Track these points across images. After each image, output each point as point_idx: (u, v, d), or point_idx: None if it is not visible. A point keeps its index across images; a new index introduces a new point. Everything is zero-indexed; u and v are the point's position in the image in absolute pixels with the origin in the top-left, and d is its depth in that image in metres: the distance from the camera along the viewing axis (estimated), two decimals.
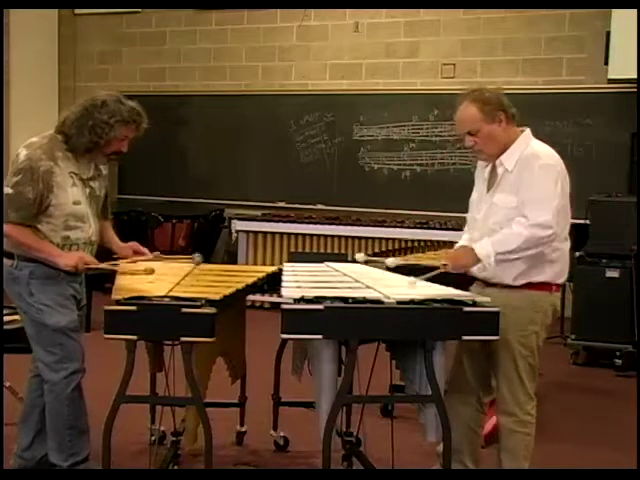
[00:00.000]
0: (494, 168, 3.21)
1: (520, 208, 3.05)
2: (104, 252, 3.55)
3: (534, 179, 3.04)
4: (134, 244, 3.59)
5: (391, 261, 3.38)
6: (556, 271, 3.16)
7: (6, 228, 3.20)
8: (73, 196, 3.27)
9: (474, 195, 3.35)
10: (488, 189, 3.23)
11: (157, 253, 3.66)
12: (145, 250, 3.58)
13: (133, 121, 3.28)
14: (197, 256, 3.70)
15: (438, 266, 3.16)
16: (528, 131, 3.23)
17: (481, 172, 3.32)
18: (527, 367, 3.17)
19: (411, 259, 3.61)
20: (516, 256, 3.03)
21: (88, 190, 3.35)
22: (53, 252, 3.23)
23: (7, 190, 3.19)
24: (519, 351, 3.13)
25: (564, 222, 3.13)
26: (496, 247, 3.02)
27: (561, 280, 3.20)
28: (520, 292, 3.12)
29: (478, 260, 3.06)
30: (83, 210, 3.31)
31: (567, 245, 3.21)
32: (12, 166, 3.25)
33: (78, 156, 3.30)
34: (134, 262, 3.47)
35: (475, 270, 3.16)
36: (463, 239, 3.41)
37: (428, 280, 3.12)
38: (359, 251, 7.02)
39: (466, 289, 3.18)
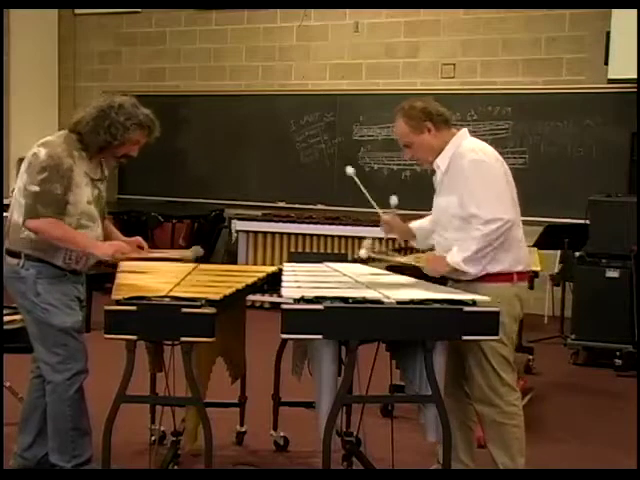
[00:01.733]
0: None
1: (466, 210, 3.14)
2: None
3: (467, 178, 3.14)
4: (138, 239, 3.59)
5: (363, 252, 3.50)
6: (512, 259, 3.20)
7: (37, 223, 3.18)
8: (87, 195, 3.30)
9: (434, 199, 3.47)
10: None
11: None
12: (147, 246, 3.60)
13: (147, 126, 3.33)
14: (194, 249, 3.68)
15: (412, 264, 3.32)
16: (463, 131, 3.32)
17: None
18: (499, 358, 3.18)
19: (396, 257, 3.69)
20: (483, 254, 3.12)
21: (96, 192, 3.37)
22: (90, 243, 3.26)
23: (34, 188, 3.18)
24: (488, 343, 3.14)
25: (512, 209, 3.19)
26: (462, 253, 3.13)
27: (520, 268, 3.24)
28: (482, 285, 3.15)
29: (450, 267, 3.16)
30: (94, 210, 3.34)
31: (518, 232, 3.25)
32: (30, 165, 3.23)
33: (91, 156, 3.32)
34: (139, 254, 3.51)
35: (455, 275, 3.23)
36: (418, 222, 3.57)
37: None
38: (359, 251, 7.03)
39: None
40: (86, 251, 3.26)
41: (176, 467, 3.51)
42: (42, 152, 3.23)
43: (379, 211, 3.55)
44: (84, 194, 3.28)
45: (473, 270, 3.15)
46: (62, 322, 3.25)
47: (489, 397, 3.19)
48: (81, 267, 3.35)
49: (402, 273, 3.53)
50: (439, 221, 3.34)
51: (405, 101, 3.35)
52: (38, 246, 3.24)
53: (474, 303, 2.81)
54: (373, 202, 3.51)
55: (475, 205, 3.10)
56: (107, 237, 3.56)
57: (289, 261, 4.07)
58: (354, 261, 3.77)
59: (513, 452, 3.20)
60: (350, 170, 3.65)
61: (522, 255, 3.26)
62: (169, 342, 3.16)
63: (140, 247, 3.57)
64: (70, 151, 3.25)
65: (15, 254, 3.28)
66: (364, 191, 3.58)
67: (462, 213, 3.16)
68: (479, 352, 3.17)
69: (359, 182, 3.62)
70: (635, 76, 6.50)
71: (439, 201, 3.33)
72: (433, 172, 3.37)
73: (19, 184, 3.30)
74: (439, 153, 3.28)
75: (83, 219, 3.29)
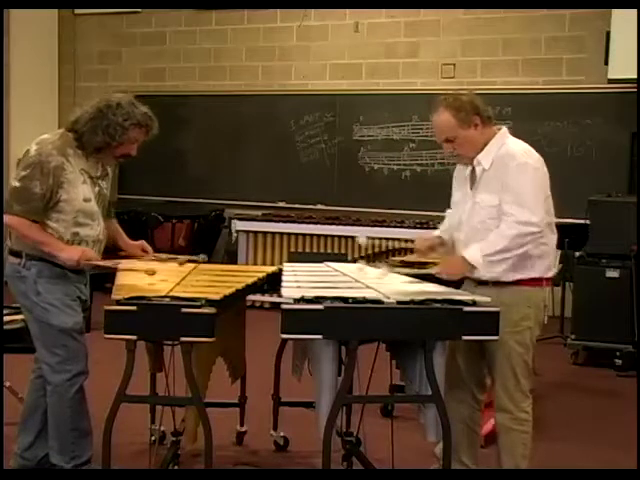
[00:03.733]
0: (474, 168, 3.25)
1: (502, 208, 3.09)
2: (109, 250, 3.56)
3: (513, 179, 3.08)
4: (142, 243, 3.62)
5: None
6: (545, 265, 3.18)
7: (8, 219, 3.21)
8: (84, 193, 3.29)
9: (456, 196, 3.40)
10: (471, 189, 3.27)
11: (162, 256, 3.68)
12: (151, 250, 3.63)
13: (146, 125, 3.32)
14: (201, 257, 3.72)
15: (431, 272, 3.24)
16: (504, 129, 3.28)
17: (461, 173, 3.36)
18: (522, 364, 3.17)
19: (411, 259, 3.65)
20: (506, 255, 3.06)
21: (97, 189, 3.37)
22: (57, 246, 3.24)
23: (15, 183, 3.21)
24: (513, 348, 3.13)
25: (547, 217, 3.16)
26: (484, 250, 3.08)
27: (550, 274, 3.23)
28: (511, 288, 3.13)
29: (470, 267, 3.11)
30: (93, 208, 3.34)
31: (553, 238, 3.23)
32: (22, 161, 3.25)
33: (88, 155, 3.32)
34: (139, 258, 3.52)
35: (468, 273, 3.18)
36: (437, 232, 3.49)
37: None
38: (359, 252, 7.03)
39: (457, 287, 3.21)
40: (52, 254, 3.24)
41: (176, 467, 3.51)
42: (33, 149, 3.24)
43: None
44: (80, 192, 3.28)
45: (487, 272, 3.09)
46: (62, 322, 3.25)
47: (504, 403, 3.18)
48: (83, 265, 3.35)
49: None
50: (469, 218, 3.23)
51: (446, 94, 3.25)
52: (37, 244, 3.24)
53: (474, 303, 2.82)
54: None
55: (516, 205, 3.04)
56: (112, 238, 3.57)
57: (289, 261, 4.06)
58: (354, 261, 3.77)
59: (517, 457, 3.20)
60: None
61: (552, 261, 3.24)
62: (169, 342, 3.16)
63: (144, 251, 3.59)
64: (63, 149, 3.25)
65: (17, 253, 3.29)
66: None
67: (499, 213, 3.10)
68: (506, 360, 3.14)
69: None
70: (635, 76, 6.50)
71: (478, 198, 3.20)
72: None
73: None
74: (481, 150, 3.19)
75: (79, 217, 3.28)
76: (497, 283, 3.14)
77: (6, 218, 3.23)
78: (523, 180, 3.07)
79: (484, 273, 3.11)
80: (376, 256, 6.98)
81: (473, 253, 3.10)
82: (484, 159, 3.19)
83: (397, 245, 7.03)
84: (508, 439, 3.20)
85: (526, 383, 3.19)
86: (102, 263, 3.38)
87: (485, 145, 3.20)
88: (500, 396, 3.19)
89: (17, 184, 3.20)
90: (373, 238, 6.62)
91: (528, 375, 3.21)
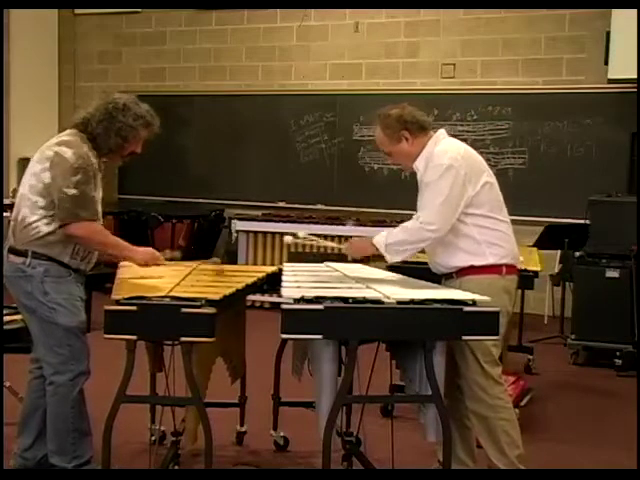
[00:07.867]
0: None
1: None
2: None
3: (427, 181, 3.24)
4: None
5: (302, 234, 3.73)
6: (497, 252, 3.23)
7: (78, 229, 3.19)
8: (100, 194, 3.34)
9: None
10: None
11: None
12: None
13: (152, 124, 3.37)
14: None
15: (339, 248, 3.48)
16: (439, 132, 3.38)
17: None
18: (485, 350, 3.18)
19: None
20: (406, 247, 3.22)
21: (100, 190, 3.38)
22: (127, 247, 3.34)
23: (71, 191, 3.17)
24: None
25: (480, 209, 3.22)
26: (388, 239, 3.24)
27: (507, 261, 3.26)
28: (471, 278, 3.19)
29: (375, 248, 3.27)
30: (100, 208, 3.37)
31: (503, 226, 3.28)
32: (56, 166, 3.20)
33: (101, 155, 3.35)
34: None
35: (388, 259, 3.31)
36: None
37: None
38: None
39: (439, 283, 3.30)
40: (123, 254, 3.34)
41: (176, 467, 3.51)
42: (68, 152, 3.22)
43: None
44: (99, 193, 3.33)
45: (391, 258, 3.25)
46: (69, 322, 3.24)
47: (474, 391, 3.22)
48: (85, 265, 3.36)
49: (403, 273, 3.54)
50: None
51: (382, 109, 3.39)
52: (46, 244, 3.24)
53: (474, 303, 2.82)
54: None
55: (422, 206, 3.21)
56: None
57: (289, 261, 4.06)
58: (354, 261, 3.77)
59: (502, 445, 3.21)
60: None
61: (509, 248, 3.28)
62: (169, 342, 3.16)
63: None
64: (91, 150, 3.28)
65: (21, 253, 3.26)
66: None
67: None
68: (467, 348, 3.18)
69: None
70: (635, 76, 6.51)
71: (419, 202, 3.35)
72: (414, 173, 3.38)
73: (31, 182, 3.27)
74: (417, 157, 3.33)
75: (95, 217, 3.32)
76: (459, 273, 3.23)
77: (72, 228, 3.19)
78: (434, 182, 3.19)
79: (389, 259, 3.27)
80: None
81: (379, 239, 3.27)
82: (419, 164, 3.32)
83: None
84: (484, 426, 3.23)
85: (493, 371, 3.22)
86: (165, 263, 3.49)
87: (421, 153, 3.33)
88: (469, 386, 3.22)
89: (75, 191, 3.17)
90: None
91: (495, 364, 3.23)
